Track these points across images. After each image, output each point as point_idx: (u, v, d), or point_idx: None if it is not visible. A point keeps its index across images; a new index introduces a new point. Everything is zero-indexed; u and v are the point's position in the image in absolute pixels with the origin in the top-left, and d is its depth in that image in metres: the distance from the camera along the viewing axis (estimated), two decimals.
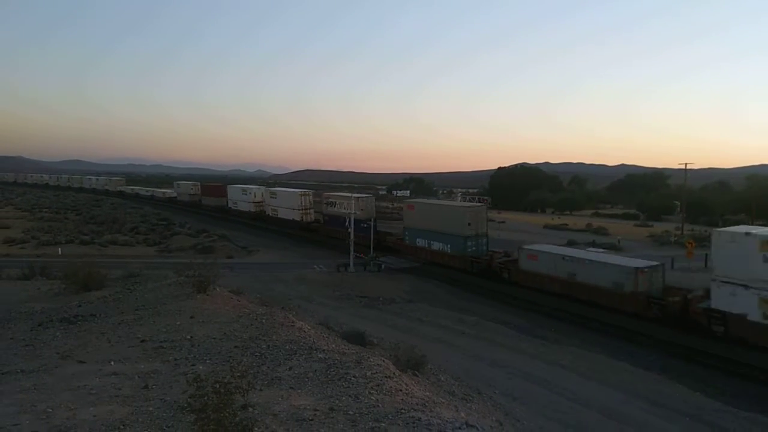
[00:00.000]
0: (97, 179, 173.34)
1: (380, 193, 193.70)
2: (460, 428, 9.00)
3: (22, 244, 57.85)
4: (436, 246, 44.50)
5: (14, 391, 10.61)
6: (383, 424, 8.74)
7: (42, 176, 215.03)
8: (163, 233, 68.16)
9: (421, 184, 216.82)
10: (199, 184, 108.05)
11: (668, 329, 27.36)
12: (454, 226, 42.95)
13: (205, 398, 7.08)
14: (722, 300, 25.11)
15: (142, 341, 14.20)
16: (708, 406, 19.56)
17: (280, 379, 11.12)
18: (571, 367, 22.90)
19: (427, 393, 12.05)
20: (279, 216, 70.12)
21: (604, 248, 33.26)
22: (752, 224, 48.39)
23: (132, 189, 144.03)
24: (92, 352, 13.62)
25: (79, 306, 19.66)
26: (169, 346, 13.68)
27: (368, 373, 11.58)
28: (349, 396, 10.13)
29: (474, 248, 41.93)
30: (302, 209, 65.73)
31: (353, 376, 11.28)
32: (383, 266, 46.71)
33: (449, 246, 43.18)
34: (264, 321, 16.23)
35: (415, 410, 9.65)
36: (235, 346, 13.47)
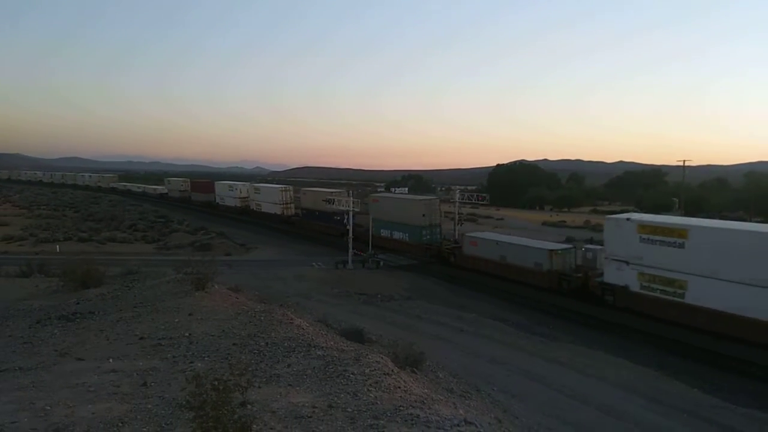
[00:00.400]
0: (90, 176, 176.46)
1: (379, 190, 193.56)
2: (458, 425, 9.01)
3: (21, 242, 57.86)
4: (397, 235, 49.53)
5: (12, 388, 10.61)
6: (382, 421, 8.75)
7: (35, 173, 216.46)
8: (162, 230, 68.19)
9: (419, 181, 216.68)
10: (188, 180, 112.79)
11: (574, 301, 32.82)
12: (411, 218, 48.52)
13: (204, 395, 7.08)
14: (611, 275, 30.84)
15: (141, 339, 14.19)
16: (705, 402, 19.63)
17: (279, 377, 11.13)
18: (570, 364, 22.96)
19: (426, 390, 12.07)
20: (262, 210, 75.53)
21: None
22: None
23: (124, 186, 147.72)
24: (91, 349, 13.61)
25: (78, 303, 19.63)
26: (168, 343, 13.68)
27: (367, 371, 11.59)
28: (348, 393, 10.14)
29: (429, 237, 47.28)
30: (283, 204, 71.16)
31: (352, 373, 11.29)
32: (381, 263, 46.73)
33: (407, 235, 48.64)
34: (262, 318, 16.22)
35: (413, 407, 9.65)
36: (234, 344, 13.47)
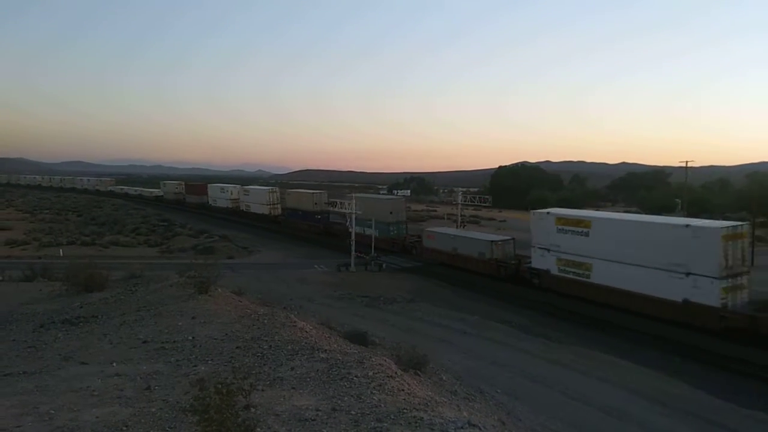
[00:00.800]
0: (89, 180, 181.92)
1: (381, 192, 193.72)
2: (462, 428, 9.00)
3: (24, 246, 57.97)
4: (368, 231, 53.33)
5: (16, 392, 10.62)
6: (385, 424, 8.75)
7: (35, 177, 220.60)
8: (164, 234, 68.32)
9: (421, 183, 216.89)
10: (183, 183, 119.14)
11: (508, 285, 38.65)
12: (380, 215, 54.06)
13: (208, 399, 7.09)
14: (537, 261, 36.46)
15: (144, 342, 14.20)
16: (709, 403, 19.57)
17: (282, 380, 11.13)
18: (573, 366, 22.91)
19: (429, 392, 12.06)
20: (251, 210, 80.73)
21: None
22: (753, 222, 48.54)
23: (121, 189, 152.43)
24: (94, 353, 13.62)
25: (81, 307, 19.66)
26: (171, 347, 13.69)
27: (370, 373, 11.59)
28: (351, 396, 10.14)
29: (395, 232, 53.46)
30: (270, 204, 76.41)
31: (355, 376, 11.29)
32: (384, 266, 46.77)
33: (377, 230, 53.13)
34: (265, 321, 16.23)
35: (417, 410, 9.65)
36: (237, 347, 13.47)
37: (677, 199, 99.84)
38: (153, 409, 9.51)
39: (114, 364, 12.43)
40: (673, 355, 24.92)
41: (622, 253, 30.01)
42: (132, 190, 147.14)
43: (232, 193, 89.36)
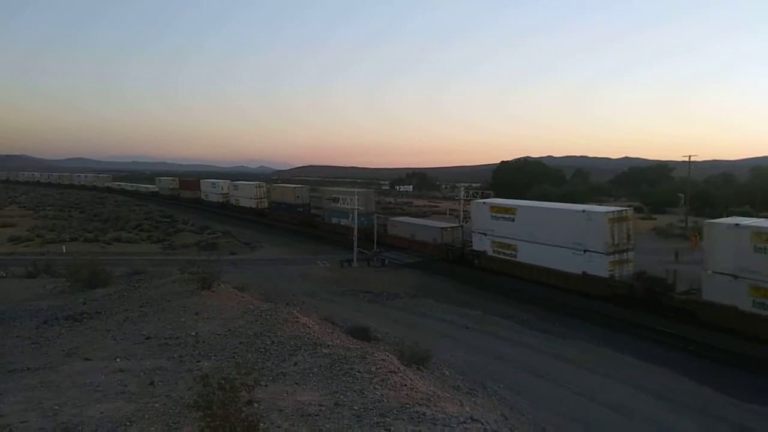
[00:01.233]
0: (86, 176, 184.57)
1: (384, 188, 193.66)
2: (464, 422, 9.01)
3: (27, 243, 58.06)
4: (342, 222, 58.88)
5: (21, 388, 10.66)
6: (388, 419, 8.76)
7: (33, 174, 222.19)
8: (167, 230, 68.33)
9: (424, 178, 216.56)
10: (177, 179, 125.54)
11: (456, 266, 43.66)
12: (350, 206, 57.03)
13: (211, 395, 7.10)
14: (477, 244, 41.91)
15: (148, 338, 14.24)
16: (715, 399, 19.53)
17: (285, 375, 11.15)
18: (577, 361, 22.88)
19: (432, 388, 12.08)
20: (240, 204, 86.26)
21: None
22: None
23: (118, 185, 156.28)
24: (98, 349, 13.67)
25: (84, 303, 19.73)
26: (174, 342, 13.73)
27: (373, 368, 11.60)
28: (354, 391, 10.15)
29: (365, 222, 55.54)
30: (257, 198, 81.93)
31: (358, 371, 11.30)
32: (386, 261, 46.79)
33: (350, 221, 57.07)
34: (268, 317, 16.25)
35: (419, 405, 9.66)
36: (240, 342, 13.51)
37: (680, 194, 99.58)
38: (157, 405, 9.54)
39: (118, 360, 12.47)
40: (677, 351, 24.88)
41: (539, 235, 35.61)
42: (129, 186, 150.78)
43: (222, 188, 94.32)
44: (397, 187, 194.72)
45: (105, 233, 64.34)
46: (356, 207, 50.73)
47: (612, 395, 19.06)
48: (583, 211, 34.11)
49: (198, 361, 12.16)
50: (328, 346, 13.49)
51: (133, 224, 72.86)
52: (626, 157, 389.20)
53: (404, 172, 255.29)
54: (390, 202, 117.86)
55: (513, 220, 38.05)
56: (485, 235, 40.54)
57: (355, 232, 47.70)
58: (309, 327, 15.76)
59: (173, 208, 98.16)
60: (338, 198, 61.59)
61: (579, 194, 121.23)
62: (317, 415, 8.95)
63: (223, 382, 7.23)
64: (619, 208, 34.64)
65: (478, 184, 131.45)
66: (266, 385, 10.15)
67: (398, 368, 12.38)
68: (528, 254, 36.61)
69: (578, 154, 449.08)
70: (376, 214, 58.49)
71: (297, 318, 16.73)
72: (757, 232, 24.95)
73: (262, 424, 7.72)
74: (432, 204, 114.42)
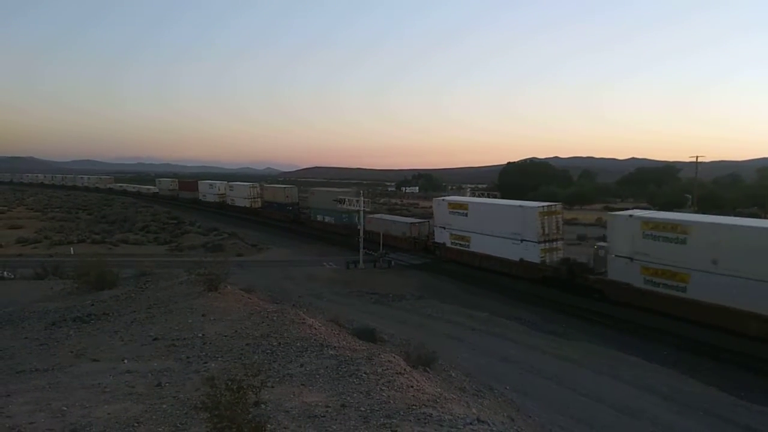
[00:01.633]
0: (89, 178, 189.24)
1: (389, 189, 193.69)
2: (471, 424, 9.01)
3: (35, 244, 58.37)
4: (327, 219, 64.95)
5: (29, 389, 10.72)
6: (395, 420, 8.76)
7: (37, 176, 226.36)
8: (174, 232, 68.54)
9: (430, 180, 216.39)
10: (177, 180, 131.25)
11: (422, 255, 49.37)
12: (334, 205, 61.89)
13: (218, 396, 7.13)
14: (438, 237, 46.55)
15: (155, 339, 14.30)
16: (722, 400, 19.44)
17: (292, 376, 11.17)
18: (583, 362, 22.81)
19: (438, 389, 12.06)
20: (236, 204, 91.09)
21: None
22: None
23: (120, 186, 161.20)
24: (106, 350, 13.73)
25: (92, 305, 19.82)
26: (182, 344, 13.77)
27: (379, 370, 11.61)
28: (361, 392, 10.16)
29: (347, 219, 60.72)
30: (251, 198, 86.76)
31: (364, 373, 11.31)
32: (393, 263, 46.82)
33: (333, 219, 63.90)
34: (275, 318, 16.29)
35: (426, 406, 9.66)
36: (247, 344, 13.54)
37: (687, 195, 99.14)
38: (164, 406, 9.57)
39: (125, 361, 12.53)
40: (684, 352, 24.77)
41: (487, 228, 40.59)
42: (131, 187, 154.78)
43: (219, 189, 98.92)
44: (403, 189, 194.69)
45: (112, 235, 64.61)
46: (361, 208, 50.84)
47: (619, 396, 19.00)
48: (520, 206, 39.49)
49: (205, 363, 12.19)
50: (335, 347, 13.50)
51: (140, 226, 73.14)
52: (633, 158, 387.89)
53: (410, 174, 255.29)
54: (396, 204, 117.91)
55: (466, 215, 43.21)
56: (444, 228, 45.37)
57: (362, 234, 47.77)
58: (315, 328, 15.78)
59: (172, 207, 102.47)
60: (344, 199, 63.72)
61: (586, 195, 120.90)
62: (324, 416, 8.97)
63: (230, 383, 7.26)
64: (549, 204, 39.30)
65: (485, 185, 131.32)
66: (273, 387, 10.18)
67: (404, 370, 12.38)
68: (479, 245, 41.59)
69: (585, 155, 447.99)
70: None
71: (303, 319, 16.76)
72: (645, 221, 29.78)
73: (269, 425, 7.75)
74: None
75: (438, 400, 10.35)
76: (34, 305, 21.63)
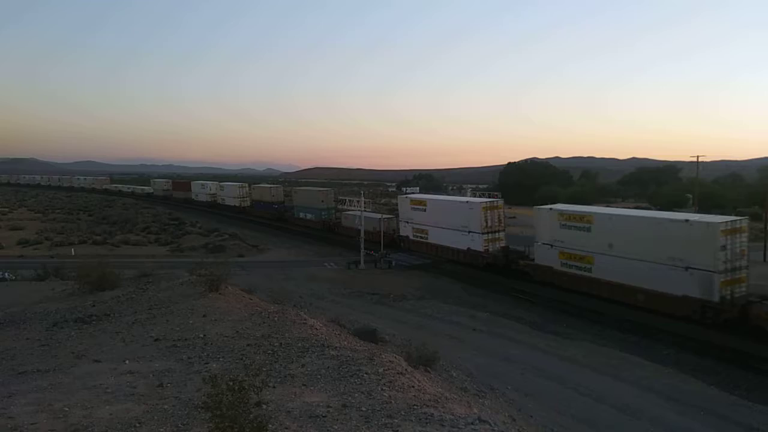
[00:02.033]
0: (85, 179, 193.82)
1: (390, 189, 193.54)
2: (472, 424, 9.01)
3: (36, 245, 58.48)
4: (308, 216, 70.22)
5: (31, 390, 10.74)
6: (396, 420, 8.77)
7: (34, 177, 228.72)
8: (175, 233, 68.64)
9: (430, 180, 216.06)
10: (170, 181, 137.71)
11: (394, 249, 50.97)
12: (315, 203, 69.85)
13: (220, 396, 7.13)
14: (402, 230, 50.98)
15: (156, 340, 14.30)
16: (722, 399, 19.45)
17: (293, 377, 11.18)
18: (584, 362, 22.83)
19: (440, 389, 12.07)
20: (226, 203, 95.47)
21: None
22: (766, 217, 48.48)
23: (115, 187, 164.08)
24: (107, 351, 13.74)
25: (93, 306, 19.81)
26: (183, 344, 13.77)
27: (380, 370, 11.61)
28: (362, 393, 10.16)
29: (326, 215, 67.12)
30: (240, 197, 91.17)
31: (366, 373, 11.31)
32: (393, 263, 46.82)
33: (313, 215, 69.27)
34: (276, 319, 16.30)
35: (427, 406, 9.67)
36: (248, 344, 13.54)
37: (688, 194, 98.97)
38: (166, 406, 9.58)
39: (127, 362, 12.53)
40: (685, 352, 24.73)
41: (442, 221, 45.15)
42: (126, 187, 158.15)
43: (210, 189, 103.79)
44: (404, 189, 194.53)
45: (113, 236, 64.72)
46: (362, 209, 51.04)
47: (620, 396, 19.01)
48: (467, 201, 45.56)
49: (206, 363, 12.20)
50: (336, 347, 13.51)
51: (141, 227, 73.25)
52: (634, 158, 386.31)
53: (411, 174, 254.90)
54: (396, 204, 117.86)
55: (425, 210, 47.70)
56: (408, 222, 49.79)
57: (362, 234, 47.79)
58: (317, 329, 15.79)
59: (165, 206, 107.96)
60: (345, 200, 69.62)
61: (587, 195, 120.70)
62: (325, 416, 8.98)
63: (231, 383, 7.26)
64: (490, 200, 45.31)
65: (485, 186, 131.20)
66: (274, 387, 10.19)
67: (406, 370, 12.39)
68: (435, 237, 46.06)
69: (585, 155, 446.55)
70: (335, 209, 68.93)
71: (305, 320, 16.76)
72: (561, 213, 34.71)
73: (270, 425, 7.75)
74: None
75: (439, 400, 10.35)
76: (36, 306, 21.63)
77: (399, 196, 54.92)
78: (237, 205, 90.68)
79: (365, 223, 54.99)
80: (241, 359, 12.06)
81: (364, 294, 36.57)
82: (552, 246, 34.89)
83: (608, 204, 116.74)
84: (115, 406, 9.65)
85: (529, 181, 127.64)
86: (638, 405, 18.29)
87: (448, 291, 38.08)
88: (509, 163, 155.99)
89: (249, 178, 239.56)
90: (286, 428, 8.45)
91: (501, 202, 44.44)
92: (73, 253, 50.66)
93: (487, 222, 41.61)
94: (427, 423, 8.76)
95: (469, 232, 42.07)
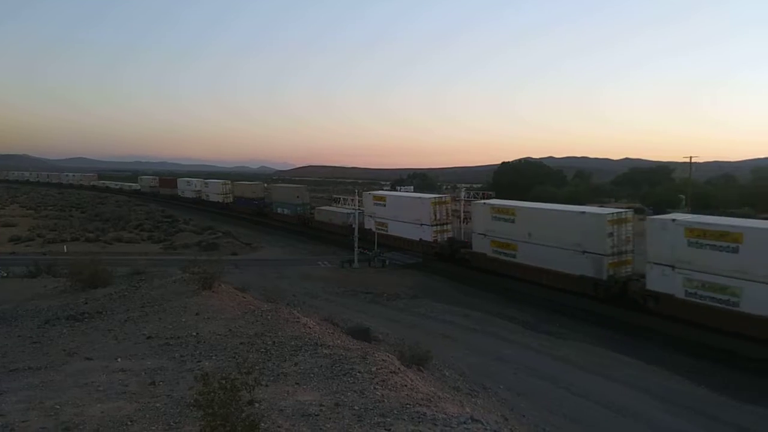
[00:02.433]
0: (73, 175, 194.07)
1: (384, 188, 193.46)
2: (465, 423, 9.03)
3: (28, 242, 58.17)
4: (285, 211, 74.94)
5: (22, 387, 10.69)
6: (389, 419, 8.78)
7: (23, 173, 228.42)
8: (168, 230, 68.42)
9: (425, 179, 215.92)
10: (157, 178, 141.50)
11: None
12: (290, 199, 74.81)
13: (212, 394, 7.11)
14: (367, 224, 54.19)
15: (149, 338, 14.26)
16: (713, 399, 19.59)
17: (286, 375, 11.17)
18: (577, 362, 22.92)
19: (432, 388, 12.09)
20: (210, 199, 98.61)
21: None
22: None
23: (103, 183, 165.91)
24: (99, 349, 13.68)
25: (86, 303, 19.73)
26: (176, 342, 13.73)
27: (373, 369, 11.62)
28: (355, 391, 10.16)
29: (301, 210, 72.09)
30: (223, 194, 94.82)
31: (358, 372, 11.32)
32: (387, 262, 46.85)
33: (289, 210, 74.00)
34: (269, 317, 16.27)
35: (420, 405, 9.68)
36: (241, 343, 13.51)
37: (681, 195, 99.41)
38: (158, 404, 9.55)
39: (119, 360, 12.48)
40: (677, 352, 24.87)
41: (400, 216, 50.44)
42: (113, 184, 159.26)
43: (195, 186, 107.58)
44: (398, 188, 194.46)
45: (106, 233, 64.43)
46: (356, 208, 51.09)
47: (612, 396, 19.10)
48: (419, 197, 51.64)
49: (199, 361, 12.17)
50: (329, 346, 13.50)
51: (134, 224, 72.95)
52: (627, 158, 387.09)
53: (405, 173, 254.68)
54: None
55: (385, 205, 53.15)
56: (371, 217, 54.38)
57: (356, 233, 47.76)
58: (310, 327, 15.77)
59: (153, 202, 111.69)
60: (339, 198, 70.69)
61: (581, 195, 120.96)
62: (318, 415, 8.97)
63: (224, 381, 7.24)
64: (438, 195, 52.38)
65: (479, 185, 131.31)
66: (267, 385, 10.17)
67: (399, 369, 12.40)
68: (394, 229, 51.18)
69: (579, 155, 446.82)
70: (309, 204, 74.43)
71: (298, 318, 16.75)
72: (492, 207, 40.13)
73: (263, 424, 7.74)
74: None
75: (432, 399, 10.37)
76: (28, 303, 21.52)
77: (364, 193, 58.64)
78: (220, 201, 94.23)
79: (335, 217, 60.71)
80: (234, 357, 12.04)
81: (357, 293, 36.58)
82: (485, 235, 40.00)
83: (601, 204, 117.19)
84: (106, 404, 9.61)
85: (523, 181, 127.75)
86: (630, 405, 18.40)
87: (441, 290, 38.14)
88: (503, 163, 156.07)
89: (242, 175, 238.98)
90: (279, 427, 8.45)
91: (449, 197, 50.52)
92: (65, 250, 50.46)
93: (436, 215, 46.67)
94: (419, 422, 8.78)
95: (422, 224, 47.11)
